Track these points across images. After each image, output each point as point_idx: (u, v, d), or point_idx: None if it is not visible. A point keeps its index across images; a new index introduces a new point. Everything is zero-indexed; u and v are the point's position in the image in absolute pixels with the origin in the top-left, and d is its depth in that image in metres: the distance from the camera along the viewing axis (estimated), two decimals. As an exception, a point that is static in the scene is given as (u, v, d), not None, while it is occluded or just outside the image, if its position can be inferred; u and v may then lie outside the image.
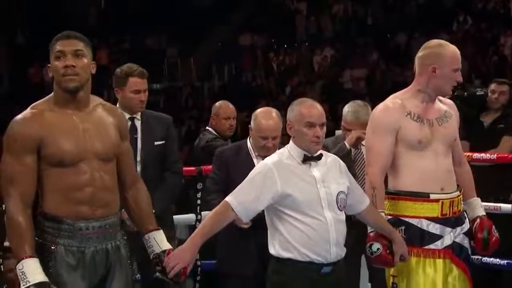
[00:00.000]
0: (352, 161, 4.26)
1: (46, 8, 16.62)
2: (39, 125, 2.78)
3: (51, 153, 2.77)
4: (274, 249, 3.10)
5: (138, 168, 3.94)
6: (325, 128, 3.13)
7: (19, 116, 2.82)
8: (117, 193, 2.92)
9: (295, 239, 3.05)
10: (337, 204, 3.10)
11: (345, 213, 3.17)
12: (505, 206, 4.68)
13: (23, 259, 2.69)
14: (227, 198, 3.05)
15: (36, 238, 2.78)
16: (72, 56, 2.80)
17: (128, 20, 16.63)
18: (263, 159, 3.79)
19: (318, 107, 3.14)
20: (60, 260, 2.77)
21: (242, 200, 3.03)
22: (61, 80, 2.81)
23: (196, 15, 16.29)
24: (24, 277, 2.68)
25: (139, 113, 4.09)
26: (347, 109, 4.38)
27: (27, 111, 2.83)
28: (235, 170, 3.77)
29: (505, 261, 4.67)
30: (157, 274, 2.96)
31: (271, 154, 3.37)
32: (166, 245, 2.98)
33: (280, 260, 3.08)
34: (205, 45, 16.82)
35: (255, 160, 3.85)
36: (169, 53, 16.94)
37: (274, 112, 3.86)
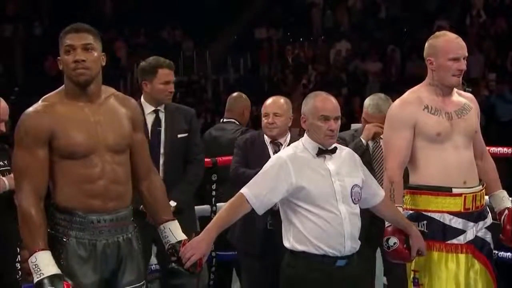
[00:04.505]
0: (370, 156, 4.23)
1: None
2: (50, 117, 2.78)
3: (62, 145, 2.77)
4: (289, 242, 3.10)
5: (161, 161, 4.00)
6: (339, 121, 3.12)
7: (30, 109, 2.81)
8: (129, 185, 2.92)
9: (309, 232, 3.05)
10: (352, 198, 3.09)
11: (359, 207, 3.17)
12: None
13: (35, 252, 2.70)
14: (242, 190, 3.06)
15: (48, 230, 2.79)
16: (82, 50, 2.79)
17: (143, 14, 16.65)
18: (275, 145, 3.96)
19: (333, 100, 3.13)
20: (71, 252, 2.78)
21: (257, 193, 3.04)
22: (71, 74, 2.80)
23: (211, 8, 16.28)
24: (38, 269, 2.68)
25: (163, 106, 4.12)
26: (368, 102, 4.32)
27: (38, 104, 2.82)
28: (252, 156, 4.06)
29: (522, 256, 4.66)
30: (173, 264, 2.96)
31: (275, 133, 3.96)
32: (181, 236, 2.98)
33: (294, 253, 3.08)
34: (221, 38, 16.81)
35: (268, 147, 4.09)
36: (185, 46, 16.95)
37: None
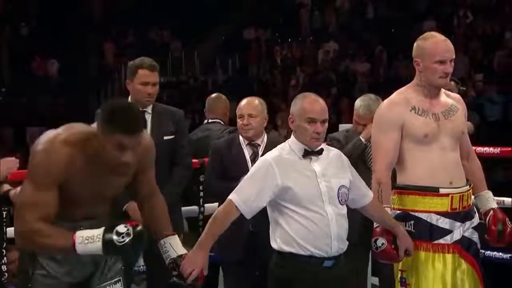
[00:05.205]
0: (365, 156, 4.26)
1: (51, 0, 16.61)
2: (71, 164, 2.67)
3: (66, 194, 2.71)
4: (276, 243, 3.10)
5: None
6: (326, 124, 3.12)
7: (52, 147, 2.67)
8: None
9: (296, 233, 3.05)
10: (338, 198, 3.09)
11: (349, 207, 3.18)
12: (508, 200, 4.69)
13: (74, 237, 2.61)
14: (231, 196, 3.05)
15: None
16: (131, 150, 2.66)
17: (131, 14, 16.63)
18: (252, 146, 3.95)
19: (321, 103, 3.13)
20: (46, 255, 2.76)
21: (245, 198, 3.03)
22: (113, 163, 2.68)
23: (200, 8, 16.28)
24: (91, 238, 2.60)
25: (150, 107, 4.08)
26: (359, 103, 4.35)
27: (69, 139, 2.68)
28: (229, 159, 4.02)
29: (508, 255, 4.68)
30: (174, 279, 2.93)
31: (251, 134, 3.96)
32: (182, 250, 2.95)
33: (281, 254, 3.09)
34: (209, 39, 16.82)
35: (245, 149, 4.04)
36: (173, 47, 16.94)
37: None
